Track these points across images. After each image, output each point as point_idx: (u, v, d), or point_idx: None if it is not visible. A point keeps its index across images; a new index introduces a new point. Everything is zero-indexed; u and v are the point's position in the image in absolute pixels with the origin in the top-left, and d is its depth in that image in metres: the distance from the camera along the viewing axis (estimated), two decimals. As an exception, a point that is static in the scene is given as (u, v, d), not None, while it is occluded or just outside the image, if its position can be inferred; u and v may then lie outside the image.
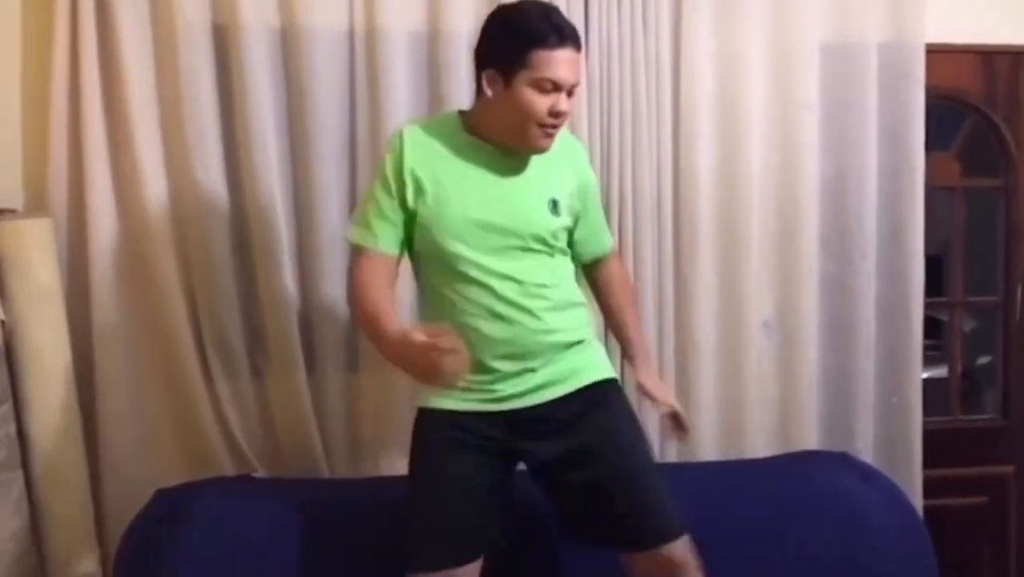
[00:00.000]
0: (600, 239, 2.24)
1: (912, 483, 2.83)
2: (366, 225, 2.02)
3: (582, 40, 2.04)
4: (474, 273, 1.99)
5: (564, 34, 1.93)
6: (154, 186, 2.45)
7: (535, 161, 2.05)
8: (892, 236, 2.82)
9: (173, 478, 2.47)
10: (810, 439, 2.77)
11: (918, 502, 2.82)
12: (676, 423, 2.20)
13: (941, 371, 3.21)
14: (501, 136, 2.01)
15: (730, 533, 2.25)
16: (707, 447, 2.71)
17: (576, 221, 2.14)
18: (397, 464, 2.55)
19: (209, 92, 2.46)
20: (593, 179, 2.23)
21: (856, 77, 2.76)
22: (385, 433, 2.59)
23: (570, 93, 1.97)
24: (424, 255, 2.06)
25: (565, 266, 2.14)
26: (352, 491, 2.42)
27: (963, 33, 2.89)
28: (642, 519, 2.02)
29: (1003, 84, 3.01)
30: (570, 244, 2.15)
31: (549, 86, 1.92)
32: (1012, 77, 3.01)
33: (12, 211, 2.42)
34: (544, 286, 2.04)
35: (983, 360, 3.46)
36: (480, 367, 1.99)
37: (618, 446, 2.06)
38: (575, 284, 2.16)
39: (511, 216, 2.01)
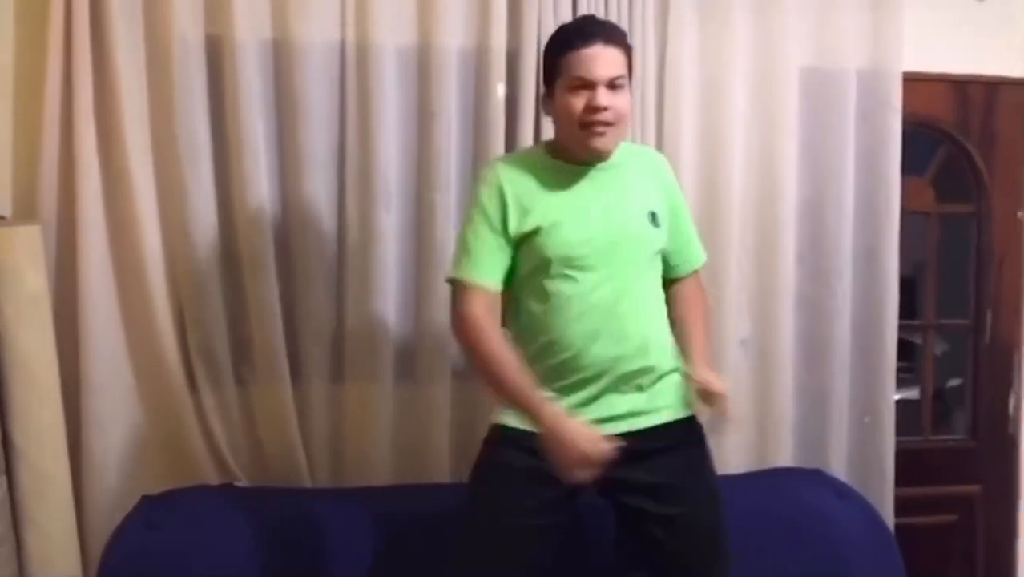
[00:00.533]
0: (694, 253, 2.21)
1: (884, 501, 2.88)
2: (471, 258, 2.00)
3: (625, 37, 2.06)
4: (580, 292, 1.98)
5: (587, 33, 1.96)
6: (144, 196, 2.46)
7: (626, 177, 2.06)
8: (867, 258, 2.88)
9: (157, 486, 2.48)
10: (785, 456, 2.82)
11: (890, 520, 2.86)
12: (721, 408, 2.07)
13: (913, 393, 3.27)
14: (570, 151, 2.03)
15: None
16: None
17: (669, 236, 2.12)
18: (380, 474, 2.58)
19: (201, 103, 2.48)
20: (680, 194, 2.21)
21: (835, 102, 2.83)
22: (368, 444, 2.60)
23: (612, 87, 1.96)
24: (525, 275, 2.04)
25: (660, 289, 2.12)
26: (334, 500, 2.44)
27: (939, 63, 2.97)
28: (704, 570, 2.05)
29: (977, 113, 3.09)
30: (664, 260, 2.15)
31: (579, 83, 1.94)
32: (985, 106, 3.09)
33: (2, 218, 2.44)
34: (648, 306, 2.05)
35: (954, 382, 3.52)
36: (576, 386, 2.00)
37: (701, 490, 2.09)
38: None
39: (615, 230, 2.01)
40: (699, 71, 2.75)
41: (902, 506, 2.94)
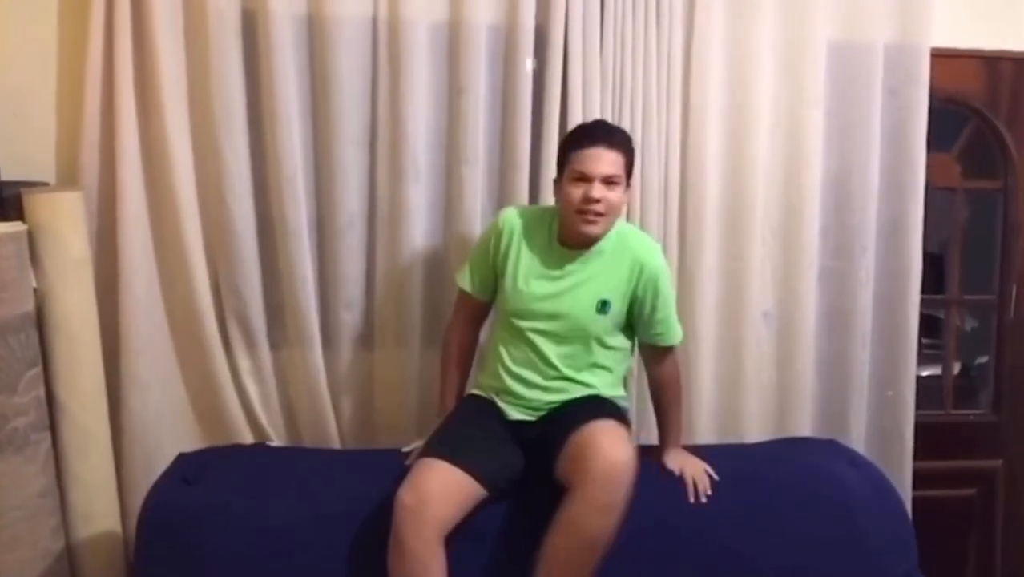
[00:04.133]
0: (666, 334, 2.41)
1: (903, 473, 2.92)
2: (464, 270, 2.46)
3: (631, 143, 2.35)
4: (525, 338, 2.35)
5: (594, 136, 2.28)
6: (182, 165, 2.54)
7: (599, 265, 2.33)
8: (892, 233, 2.90)
9: (192, 445, 2.59)
10: (805, 427, 2.86)
11: (908, 492, 2.90)
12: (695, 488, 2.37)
13: (940, 369, 3.28)
14: (566, 232, 2.33)
15: (718, 511, 2.35)
16: (705, 431, 2.80)
17: (634, 316, 2.37)
18: (406, 437, 2.65)
19: (237, 75, 2.54)
20: (658, 279, 2.35)
21: (862, 77, 2.83)
22: (396, 408, 2.69)
23: (608, 183, 2.24)
24: (498, 306, 2.46)
25: (612, 360, 2.40)
26: (362, 460, 2.51)
27: (968, 38, 2.96)
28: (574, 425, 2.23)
29: (1006, 89, 3.08)
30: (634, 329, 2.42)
31: (578, 176, 2.25)
32: (1015, 82, 3.08)
33: (45, 184, 2.52)
34: (581, 368, 2.36)
35: (982, 360, 3.52)
36: (505, 392, 2.38)
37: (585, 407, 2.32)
38: (619, 379, 2.46)
39: (563, 309, 2.32)
40: (727, 44, 2.76)
41: (923, 479, 2.98)
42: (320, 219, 2.65)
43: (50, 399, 2.39)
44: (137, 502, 2.43)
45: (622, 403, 2.45)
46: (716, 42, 2.75)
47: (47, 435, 2.37)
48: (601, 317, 2.33)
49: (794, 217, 2.83)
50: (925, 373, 3.16)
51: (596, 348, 2.36)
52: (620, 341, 2.41)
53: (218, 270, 2.62)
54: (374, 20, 2.60)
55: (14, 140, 2.44)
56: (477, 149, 2.64)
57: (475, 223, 2.66)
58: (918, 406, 2.96)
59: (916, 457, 2.95)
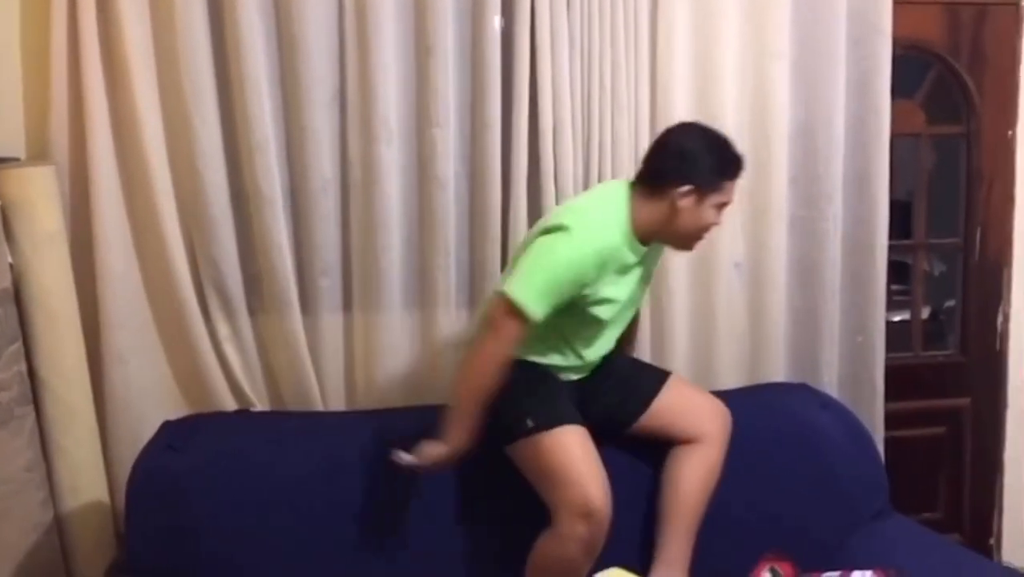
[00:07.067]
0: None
1: (875, 415, 2.98)
2: (538, 296, 2.15)
3: None
4: (595, 327, 2.35)
5: (741, 167, 2.29)
6: (152, 134, 2.53)
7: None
8: (858, 181, 2.93)
9: (176, 414, 2.59)
10: (778, 374, 2.91)
11: (880, 433, 2.97)
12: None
13: (910, 314, 3.35)
14: (665, 238, 2.33)
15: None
16: (680, 381, 2.84)
17: None
18: (389, 398, 2.69)
19: (204, 42, 2.52)
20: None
21: (825, 27, 2.84)
22: (377, 369, 2.70)
23: None
24: (565, 311, 2.24)
25: None
26: (344, 422, 2.55)
27: (930, -15, 2.99)
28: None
29: (967, 34, 3.12)
30: None
31: (723, 204, 2.27)
32: (976, 28, 3.12)
33: (16, 160, 2.50)
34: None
35: (951, 303, 3.59)
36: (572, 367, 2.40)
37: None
38: None
39: (635, 297, 2.40)
40: (692, -3, 2.77)
41: (894, 419, 3.04)
42: (293, 185, 2.65)
43: (31, 375, 2.40)
44: (124, 472, 2.45)
45: None
46: (681, -2, 2.75)
47: (31, 409, 2.38)
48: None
49: (763, 168, 2.85)
50: (897, 318, 3.22)
51: None
52: None
53: (193, 239, 2.62)
54: (340, -19, 2.58)
55: (-19, 117, 2.43)
56: (448, 110, 2.64)
57: (449, 185, 2.66)
58: (889, 349, 3.01)
59: (887, 398, 3.01)
